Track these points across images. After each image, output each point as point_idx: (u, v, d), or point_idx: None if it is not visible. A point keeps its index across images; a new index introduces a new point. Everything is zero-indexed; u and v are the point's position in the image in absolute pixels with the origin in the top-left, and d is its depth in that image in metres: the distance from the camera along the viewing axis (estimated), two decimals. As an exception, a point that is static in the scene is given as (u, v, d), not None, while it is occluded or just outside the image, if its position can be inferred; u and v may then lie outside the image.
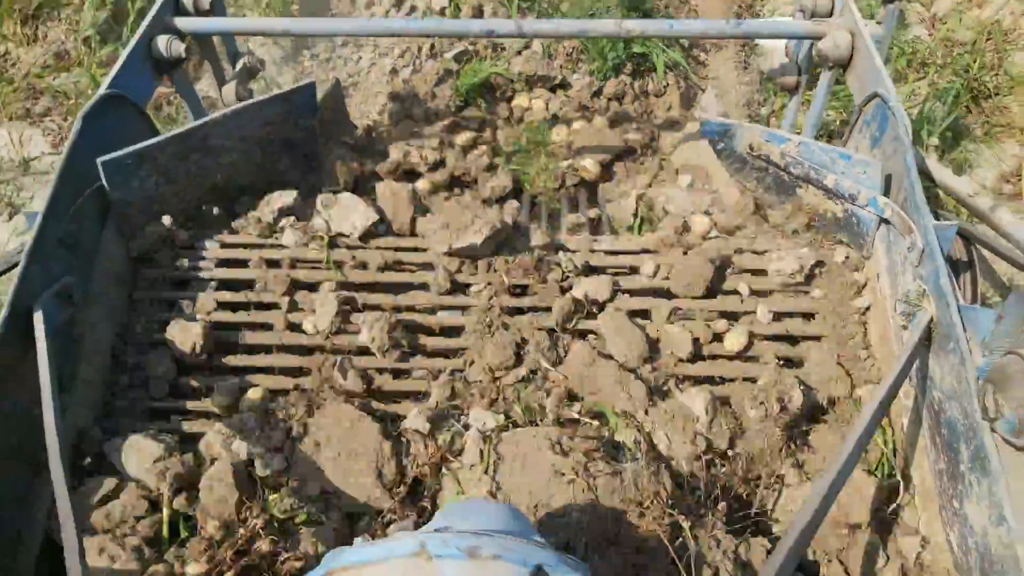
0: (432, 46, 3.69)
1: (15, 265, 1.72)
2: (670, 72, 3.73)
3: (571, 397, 1.73)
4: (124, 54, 2.10)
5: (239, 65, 2.67)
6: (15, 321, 1.58)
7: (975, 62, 3.70)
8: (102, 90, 1.97)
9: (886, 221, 1.81)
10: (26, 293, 1.62)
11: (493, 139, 2.87)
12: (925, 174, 2.23)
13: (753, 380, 1.79)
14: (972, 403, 1.38)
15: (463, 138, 2.66)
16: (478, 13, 3.79)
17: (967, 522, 1.44)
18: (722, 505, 1.56)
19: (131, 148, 1.85)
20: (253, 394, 1.78)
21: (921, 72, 3.81)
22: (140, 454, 1.63)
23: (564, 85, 3.57)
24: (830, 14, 2.30)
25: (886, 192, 1.84)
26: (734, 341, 1.84)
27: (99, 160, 1.82)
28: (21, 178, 3.19)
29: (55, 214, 1.74)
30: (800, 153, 1.96)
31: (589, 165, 2.55)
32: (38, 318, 1.61)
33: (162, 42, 2.21)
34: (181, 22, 2.28)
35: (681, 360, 1.82)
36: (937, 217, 1.76)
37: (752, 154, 2.05)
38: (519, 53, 3.62)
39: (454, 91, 3.43)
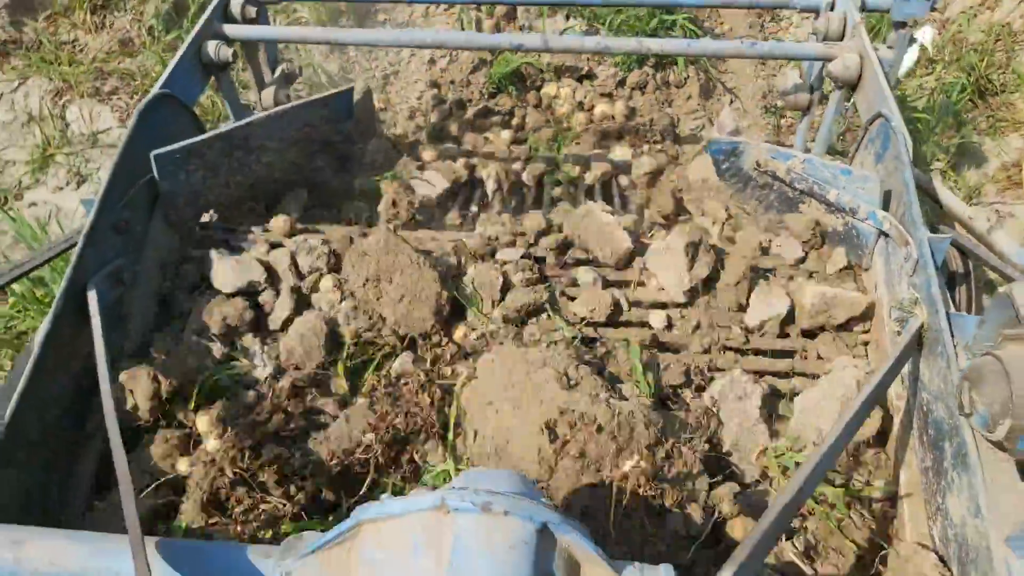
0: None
1: (73, 246, 1.87)
2: (691, 66, 3.94)
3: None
4: (176, 57, 2.26)
5: (278, 71, 2.83)
6: (71, 298, 1.73)
7: (982, 61, 3.85)
8: (155, 90, 2.13)
9: (885, 234, 1.91)
10: (81, 273, 1.77)
11: (522, 124, 3.22)
12: (931, 195, 2.34)
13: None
14: (956, 403, 1.48)
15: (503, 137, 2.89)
16: (511, 9, 4.04)
17: (948, 515, 1.53)
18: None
19: (181, 143, 2.00)
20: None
21: (929, 68, 3.96)
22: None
23: (590, 76, 3.83)
24: (841, 37, 2.42)
25: (885, 207, 1.94)
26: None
27: (152, 153, 1.97)
28: (89, 150, 3.46)
29: (109, 202, 1.89)
30: (804, 169, 2.06)
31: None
32: (92, 296, 1.76)
33: (211, 47, 2.37)
34: (229, 29, 2.44)
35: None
36: (936, 231, 1.86)
37: (759, 170, 2.16)
38: (556, 34, 3.86)
39: (487, 79, 3.67)
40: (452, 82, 3.70)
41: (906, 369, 1.75)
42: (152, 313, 2.00)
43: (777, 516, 1.19)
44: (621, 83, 3.82)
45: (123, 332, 1.90)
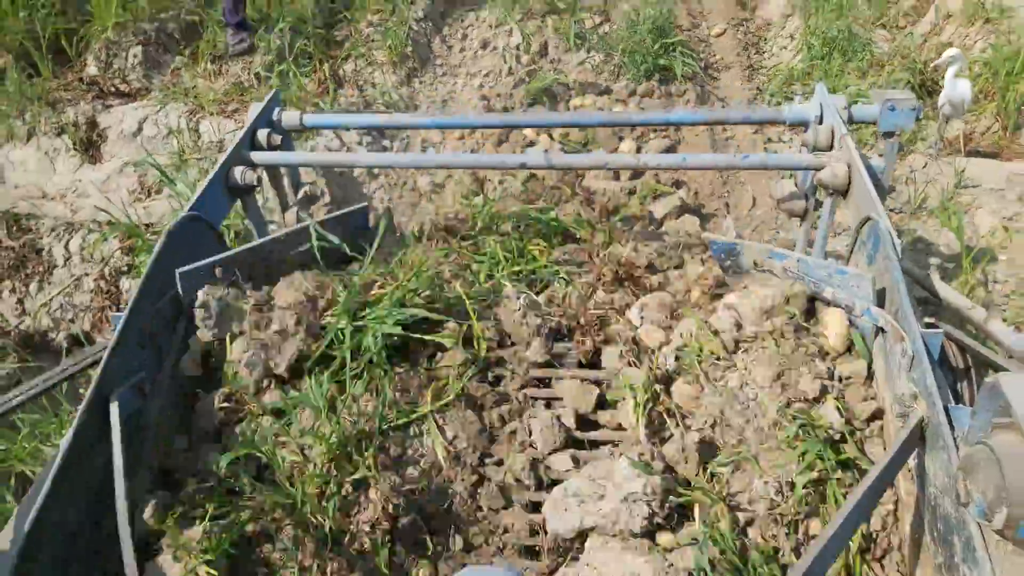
0: (510, 69, 5.16)
1: (98, 361, 1.97)
2: (689, 81, 5.05)
3: None
4: (205, 181, 2.44)
5: (301, 193, 3.02)
6: (94, 408, 1.81)
7: (923, 60, 4.49)
8: (184, 212, 2.29)
9: (882, 330, 1.96)
10: (106, 384, 1.86)
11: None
12: (929, 290, 2.39)
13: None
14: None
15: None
16: (543, 47, 5.32)
17: (964, 612, 1.49)
18: None
19: (206, 260, 2.13)
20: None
21: (878, 70, 4.67)
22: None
23: (608, 91, 5.00)
24: (830, 148, 2.55)
25: (881, 304, 1.99)
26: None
27: (178, 271, 2.10)
28: (216, 154, 4.29)
29: (136, 316, 2.00)
30: (800, 269, 2.14)
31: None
32: (114, 408, 1.84)
33: (238, 172, 2.55)
34: (255, 155, 2.63)
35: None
36: (936, 326, 1.90)
37: (758, 270, 2.24)
38: (579, 65, 5.22)
39: (525, 93, 4.85)
40: (499, 94, 4.87)
41: (914, 464, 1.75)
42: (170, 423, 2.07)
43: None
44: (632, 93, 4.93)
45: (140, 440, 1.96)
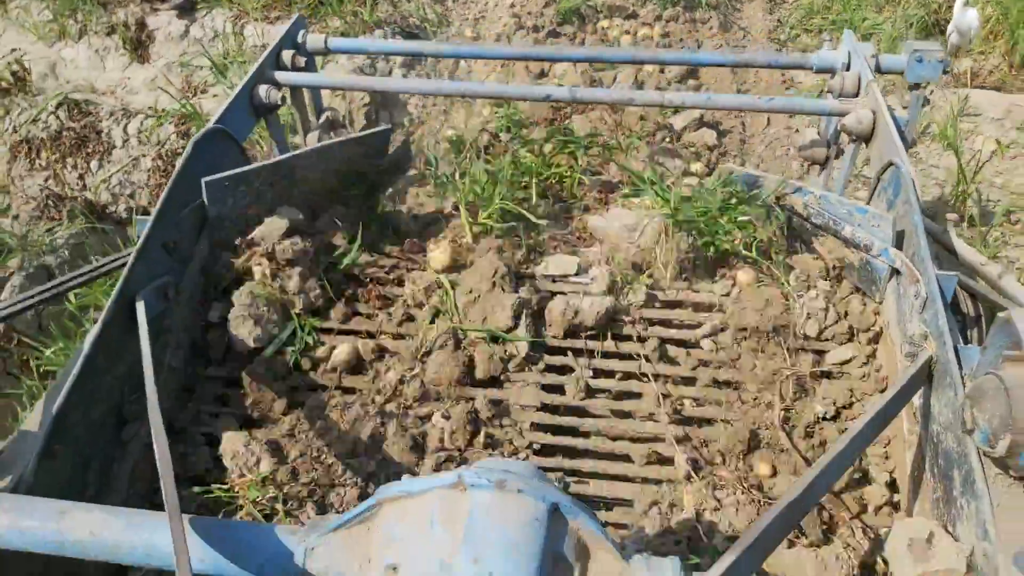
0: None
1: (122, 265, 2.01)
2: (713, 10, 5.27)
3: None
4: (231, 97, 2.45)
5: (323, 118, 3.02)
6: (121, 307, 1.86)
7: None
8: (210, 124, 2.30)
9: (897, 271, 1.98)
10: (131, 285, 1.90)
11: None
12: (945, 246, 2.40)
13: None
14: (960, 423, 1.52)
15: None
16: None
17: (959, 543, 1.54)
18: None
19: (231, 171, 2.15)
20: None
21: (894, 6, 4.88)
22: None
23: (634, 15, 5.16)
24: (855, 95, 2.53)
25: (899, 247, 2.01)
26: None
27: (204, 180, 2.12)
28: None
29: (161, 222, 2.03)
30: (821, 205, 2.15)
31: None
32: (140, 306, 1.88)
33: (263, 90, 2.56)
34: (280, 75, 2.63)
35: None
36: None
37: (778, 204, 2.25)
38: None
39: (555, 12, 4.96)
40: (529, 13, 5.01)
41: (918, 404, 1.79)
42: (192, 327, 2.12)
43: (781, 513, 1.23)
44: (658, 18, 5.11)
45: (162, 345, 2.01)
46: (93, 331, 1.78)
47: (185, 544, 1.17)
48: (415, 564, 1.10)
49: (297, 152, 2.28)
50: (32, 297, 1.97)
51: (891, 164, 2.15)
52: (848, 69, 2.65)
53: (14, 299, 1.91)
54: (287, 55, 2.75)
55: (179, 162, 2.14)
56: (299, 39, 2.87)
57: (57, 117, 4.59)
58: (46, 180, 4.33)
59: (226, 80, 4.19)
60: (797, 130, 4.03)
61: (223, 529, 1.29)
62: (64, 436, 1.65)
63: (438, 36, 5.09)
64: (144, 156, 4.44)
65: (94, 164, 4.47)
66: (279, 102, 2.61)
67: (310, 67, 2.84)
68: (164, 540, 1.23)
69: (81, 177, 4.45)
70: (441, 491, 1.14)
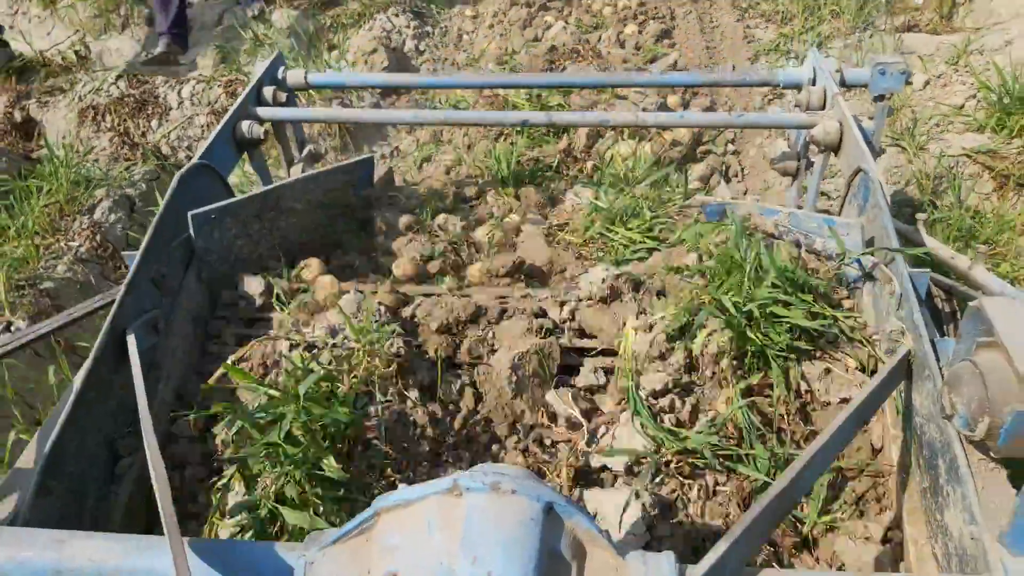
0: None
1: (109, 303, 2.03)
2: None
3: None
4: (214, 132, 2.49)
5: (305, 151, 3.07)
6: (111, 342, 1.87)
7: None
8: (194, 160, 2.34)
9: (871, 276, 2.04)
10: (121, 320, 1.92)
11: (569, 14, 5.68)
12: (915, 244, 2.47)
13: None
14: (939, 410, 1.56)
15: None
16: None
17: (947, 531, 1.58)
18: None
19: (217, 204, 2.18)
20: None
21: None
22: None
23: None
24: (822, 108, 2.62)
25: (870, 250, 2.07)
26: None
27: (190, 213, 2.15)
28: (285, 39, 5.62)
29: (149, 257, 2.05)
30: (791, 222, 2.21)
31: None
32: (131, 340, 1.90)
33: (245, 126, 2.60)
34: (262, 111, 2.68)
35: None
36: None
37: (749, 227, 2.31)
38: None
39: None
40: None
41: (900, 399, 1.83)
42: (184, 361, 2.13)
43: (769, 505, 1.26)
44: None
45: (153, 379, 2.02)
46: (84, 367, 1.79)
47: (187, 566, 1.18)
48: (415, 570, 1.12)
49: (282, 182, 2.32)
50: (26, 335, 1.98)
51: (860, 171, 2.22)
52: (814, 84, 2.74)
53: (8, 338, 1.92)
54: (268, 91, 2.80)
55: (164, 197, 2.17)
56: (279, 75, 2.93)
57: (117, 87, 5.33)
58: (111, 140, 4.92)
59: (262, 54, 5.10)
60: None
61: (223, 549, 1.30)
62: (58, 472, 1.65)
63: (441, 15, 6.01)
64: (197, 115, 5.06)
65: (154, 123, 5.13)
66: (261, 136, 2.65)
67: (291, 102, 2.90)
68: (164, 564, 1.24)
69: (144, 134, 5.09)
70: (437, 497, 1.17)
